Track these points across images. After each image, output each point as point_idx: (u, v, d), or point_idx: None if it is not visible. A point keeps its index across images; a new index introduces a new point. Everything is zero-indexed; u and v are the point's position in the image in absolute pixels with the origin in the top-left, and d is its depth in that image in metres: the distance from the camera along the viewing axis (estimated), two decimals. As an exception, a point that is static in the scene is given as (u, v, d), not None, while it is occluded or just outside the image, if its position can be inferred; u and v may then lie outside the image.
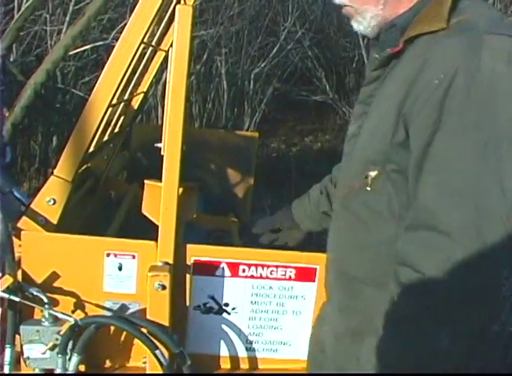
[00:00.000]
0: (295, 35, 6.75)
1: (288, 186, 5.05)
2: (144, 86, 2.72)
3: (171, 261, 1.69)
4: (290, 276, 1.77)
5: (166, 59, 2.38)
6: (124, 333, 1.75)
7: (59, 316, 1.62)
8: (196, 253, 1.73)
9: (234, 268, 1.75)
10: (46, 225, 1.70)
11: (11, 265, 1.58)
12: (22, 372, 1.71)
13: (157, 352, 1.60)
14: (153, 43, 2.35)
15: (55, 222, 1.71)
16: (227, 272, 1.75)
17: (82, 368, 1.71)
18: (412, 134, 1.20)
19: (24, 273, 1.68)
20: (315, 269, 1.76)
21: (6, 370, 1.61)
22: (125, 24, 1.71)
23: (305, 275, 1.77)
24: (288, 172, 5.70)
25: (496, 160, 1.12)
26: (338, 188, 1.53)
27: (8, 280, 1.58)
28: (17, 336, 1.64)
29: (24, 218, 1.70)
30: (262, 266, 1.75)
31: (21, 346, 1.65)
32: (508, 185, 1.11)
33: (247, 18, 6.33)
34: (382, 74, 1.34)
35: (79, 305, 1.72)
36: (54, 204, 1.70)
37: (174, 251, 1.69)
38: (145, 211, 1.78)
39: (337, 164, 1.85)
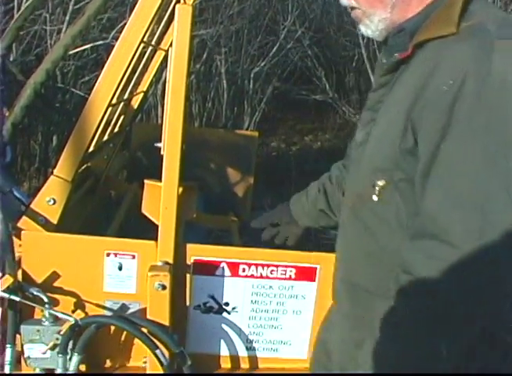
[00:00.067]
0: (295, 34, 6.76)
1: (288, 185, 5.04)
2: (144, 85, 2.72)
3: (171, 260, 1.69)
4: (290, 276, 1.77)
5: (166, 58, 2.38)
6: (125, 333, 1.75)
7: (60, 315, 1.62)
8: (196, 253, 1.73)
9: (234, 267, 1.75)
10: (46, 225, 1.70)
11: (11, 265, 1.58)
12: (22, 372, 1.71)
13: (158, 351, 1.60)
14: (153, 42, 2.35)
15: (55, 221, 1.71)
16: (227, 272, 1.75)
17: (83, 368, 1.72)
18: (421, 139, 1.18)
19: (24, 273, 1.68)
20: (315, 268, 1.76)
21: (7, 370, 1.61)
22: (125, 24, 1.71)
23: (305, 274, 1.77)
24: (288, 171, 5.70)
25: (506, 165, 1.10)
26: (346, 195, 1.50)
27: (8, 280, 1.58)
28: (18, 336, 1.64)
29: (24, 217, 1.70)
30: (262, 266, 1.75)
31: (22, 346, 1.65)
32: None
33: (247, 17, 6.33)
34: (391, 79, 1.32)
35: (79, 304, 1.72)
36: (54, 203, 1.70)
37: (174, 251, 1.69)
38: (145, 211, 1.78)
39: (336, 163, 1.85)
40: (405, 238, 1.21)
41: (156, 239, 1.69)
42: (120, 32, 1.69)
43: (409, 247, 1.19)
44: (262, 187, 4.40)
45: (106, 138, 2.29)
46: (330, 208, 1.79)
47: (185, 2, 1.58)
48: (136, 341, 1.71)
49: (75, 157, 1.71)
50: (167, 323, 1.66)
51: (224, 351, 1.82)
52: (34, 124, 5.21)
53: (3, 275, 1.58)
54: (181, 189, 1.69)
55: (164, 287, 1.63)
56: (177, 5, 1.58)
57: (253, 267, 1.75)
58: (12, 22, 2.55)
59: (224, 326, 1.80)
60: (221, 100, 6.44)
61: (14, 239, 1.62)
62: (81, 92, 4.75)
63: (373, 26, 1.33)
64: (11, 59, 4.25)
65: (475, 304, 1.11)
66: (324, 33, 7.95)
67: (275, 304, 1.80)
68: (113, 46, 1.69)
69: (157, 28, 2.29)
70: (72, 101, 5.19)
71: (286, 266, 1.76)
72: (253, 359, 1.84)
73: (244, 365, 1.85)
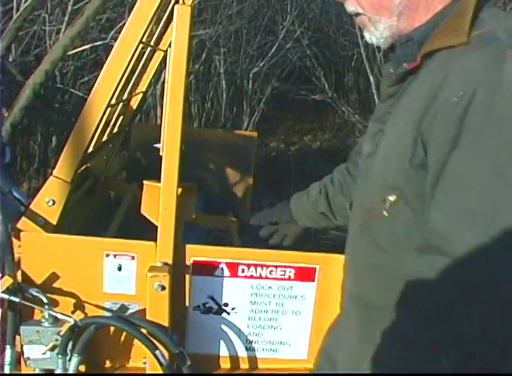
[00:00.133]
0: (294, 34, 6.76)
1: (287, 185, 5.04)
2: (143, 86, 2.72)
3: (170, 261, 1.69)
4: (289, 276, 1.77)
5: (165, 58, 2.38)
6: (124, 333, 1.75)
7: (59, 316, 1.62)
8: (195, 253, 1.73)
9: (233, 268, 1.75)
10: (45, 225, 1.70)
11: (11, 266, 1.58)
12: (22, 372, 1.71)
13: (157, 352, 1.60)
14: (152, 43, 2.35)
15: (54, 222, 1.71)
16: (226, 273, 1.75)
17: (82, 368, 1.72)
18: (430, 151, 1.16)
19: (24, 274, 1.68)
20: (315, 268, 1.76)
21: (7, 371, 1.61)
22: (124, 24, 1.71)
23: (305, 275, 1.77)
24: (287, 171, 5.70)
25: None
26: (355, 209, 1.47)
27: (8, 281, 1.58)
28: (17, 336, 1.64)
29: (24, 218, 1.70)
30: (261, 266, 1.75)
31: (21, 347, 1.65)
32: None
33: (246, 17, 6.33)
34: (398, 90, 1.29)
35: (79, 305, 1.72)
36: (53, 204, 1.70)
37: (174, 252, 1.69)
38: (144, 212, 1.78)
39: (338, 166, 1.83)
40: (412, 250, 1.18)
41: (155, 240, 1.69)
42: (119, 33, 1.69)
43: (415, 260, 1.16)
44: (261, 187, 4.41)
45: (105, 138, 2.30)
46: (332, 211, 1.78)
47: (183, 3, 1.58)
48: (136, 341, 1.71)
49: (74, 158, 1.71)
50: (166, 323, 1.67)
51: (223, 351, 1.83)
52: (33, 124, 5.21)
53: (3, 276, 1.58)
54: (180, 190, 1.69)
55: (163, 288, 1.63)
56: (176, 6, 1.58)
57: (252, 267, 1.75)
58: (11, 22, 2.55)
59: (223, 326, 1.80)
60: (220, 100, 6.45)
61: (13, 240, 1.62)
62: (80, 93, 4.75)
63: (377, 33, 1.31)
64: (10, 59, 4.25)
65: (476, 304, 1.10)
66: (323, 33, 7.95)
67: (275, 304, 1.80)
68: (112, 47, 1.69)
69: (156, 29, 2.29)
70: (71, 101, 5.19)
71: (286, 267, 1.76)
72: (252, 360, 1.84)
73: (244, 365, 1.85)
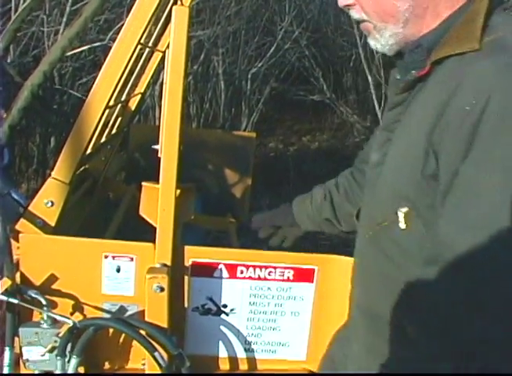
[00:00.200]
0: (292, 35, 6.77)
1: (286, 185, 5.05)
2: (141, 87, 2.72)
3: (169, 263, 1.68)
4: (288, 277, 1.76)
5: (163, 59, 2.38)
6: (123, 335, 1.75)
7: (58, 318, 1.62)
8: (194, 254, 1.73)
9: (232, 269, 1.75)
10: (44, 227, 1.70)
11: (9, 268, 1.58)
12: (22, 373, 1.71)
13: (156, 353, 1.60)
14: (150, 44, 2.34)
15: (53, 224, 1.71)
16: (225, 274, 1.75)
17: (81, 370, 1.71)
18: (442, 161, 1.13)
19: (23, 276, 1.68)
20: (313, 269, 1.76)
21: (6, 372, 1.61)
22: (122, 25, 1.71)
23: (303, 276, 1.77)
24: (286, 172, 5.70)
25: None
26: (362, 219, 1.44)
27: (6, 283, 1.57)
28: (16, 338, 1.64)
29: (22, 220, 1.69)
30: (260, 267, 1.75)
31: (20, 348, 1.65)
32: None
33: (244, 18, 6.34)
34: (407, 97, 1.27)
35: (77, 307, 1.72)
36: (52, 206, 1.70)
37: (172, 253, 1.69)
38: (142, 213, 1.78)
39: (343, 172, 1.81)
40: (420, 262, 1.17)
41: (154, 241, 1.68)
42: (118, 34, 1.69)
43: (424, 273, 1.15)
44: (260, 188, 4.41)
45: (103, 139, 2.29)
46: (336, 218, 1.77)
47: (182, 4, 1.58)
48: (135, 343, 1.70)
49: (73, 159, 1.71)
50: (165, 325, 1.66)
51: (222, 352, 1.82)
52: (31, 125, 5.21)
53: (1, 277, 1.58)
54: (178, 191, 1.69)
55: (162, 289, 1.63)
56: (174, 7, 1.58)
57: (251, 269, 1.75)
58: (9, 23, 2.55)
59: (222, 327, 1.80)
60: (218, 101, 6.45)
61: (12, 241, 1.62)
62: (79, 94, 4.75)
63: (382, 40, 1.28)
64: (8, 60, 4.25)
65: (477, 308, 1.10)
66: (321, 33, 7.96)
67: (274, 305, 1.80)
68: (111, 48, 1.68)
69: (154, 30, 2.29)
70: (69, 103, 5.19)
71: (284, 268, 1.76)
72: (251, 361, 1.84)
73: (243, 366, 1.84)
